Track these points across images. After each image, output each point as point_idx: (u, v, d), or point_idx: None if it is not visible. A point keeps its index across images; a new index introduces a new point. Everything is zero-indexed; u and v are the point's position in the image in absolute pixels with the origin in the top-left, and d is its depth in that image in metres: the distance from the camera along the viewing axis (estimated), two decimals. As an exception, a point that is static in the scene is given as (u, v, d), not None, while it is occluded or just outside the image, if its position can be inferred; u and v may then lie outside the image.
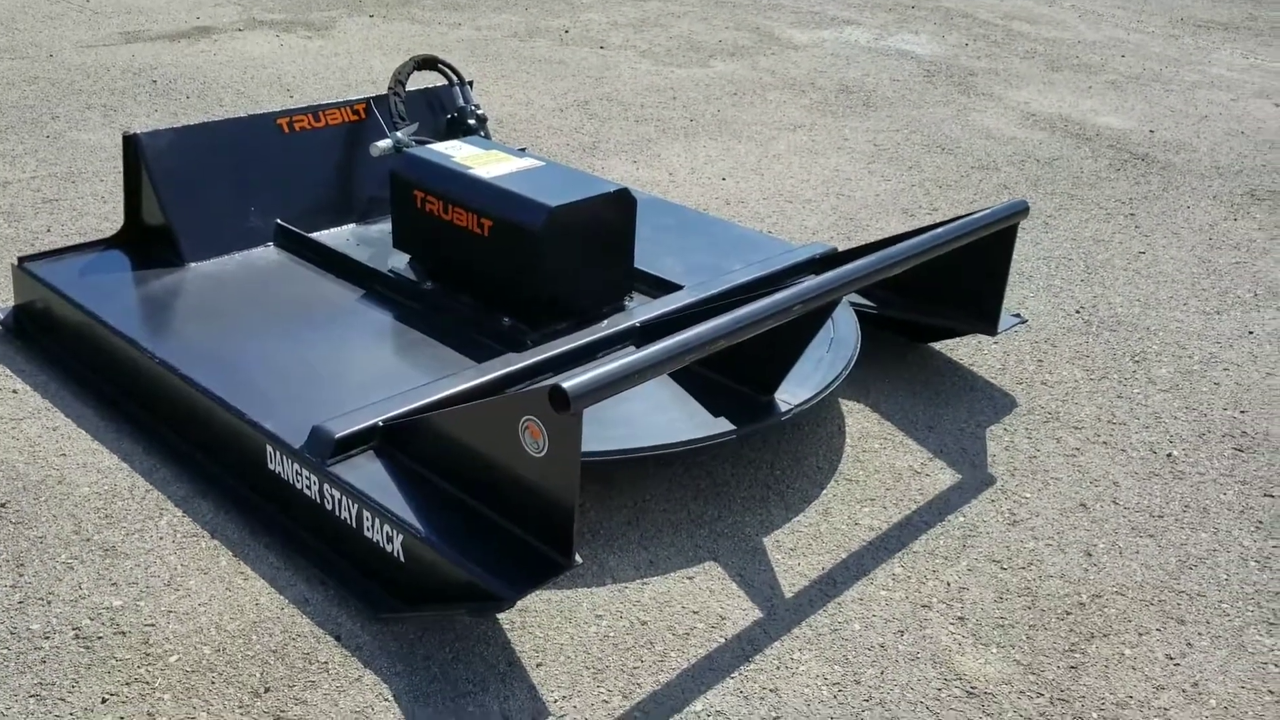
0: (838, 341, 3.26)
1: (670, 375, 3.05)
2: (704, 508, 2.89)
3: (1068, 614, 2.60)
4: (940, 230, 3.14)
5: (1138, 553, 2.82)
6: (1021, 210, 3.31)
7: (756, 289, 3.36)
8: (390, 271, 3.51)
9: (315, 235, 3.75)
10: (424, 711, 2.23)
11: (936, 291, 3.52)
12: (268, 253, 3.68)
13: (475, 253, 3.28)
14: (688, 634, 2.47)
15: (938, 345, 3.77)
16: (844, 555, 2.75)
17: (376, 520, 2.44)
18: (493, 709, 2.24)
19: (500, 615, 2.47)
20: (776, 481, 3.01)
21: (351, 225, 3.92)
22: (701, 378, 3.05)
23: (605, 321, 3.22)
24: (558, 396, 2.14)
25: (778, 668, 2.40)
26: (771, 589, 2.62)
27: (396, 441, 2.64)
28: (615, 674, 2.35)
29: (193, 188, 3.61)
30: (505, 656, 2.37)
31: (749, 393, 2.99)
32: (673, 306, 3.30)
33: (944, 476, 3.09)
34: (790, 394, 2.99)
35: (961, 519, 2.92)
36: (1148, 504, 3.02)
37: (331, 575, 2.55)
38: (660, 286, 3.50)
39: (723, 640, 2.46)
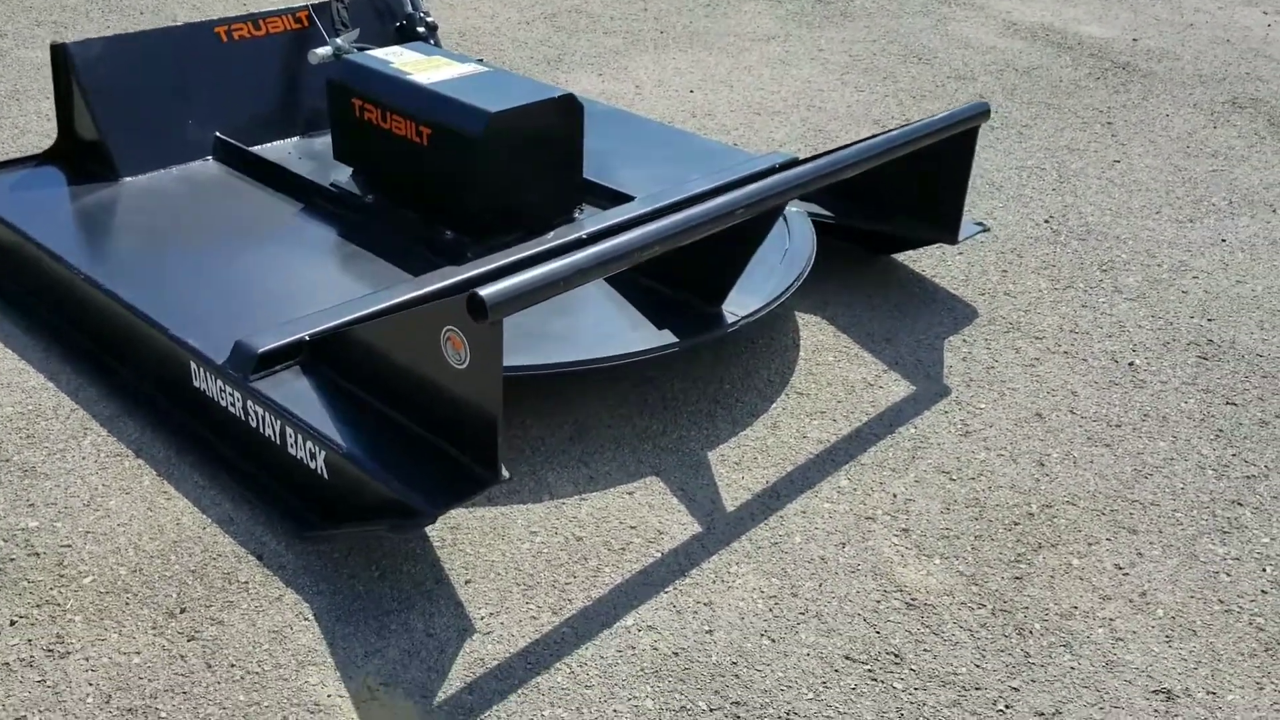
0: (791, 252, 3.15)
1: (615, 287, 2.96)
2: (649, 422, 2.81)
3: (1015, 525, 2.53)
4: (895, 133, 3.03)
5: (1092, 462, 2.75)
6: (981, 113, 3.18)
7: (711, 200, 3.24)
8: (331, 185, 3.39)
9: (256, 148, 3.62)
10: (344, 630, 2.17)
11: (896, 200, 3.41)
12: (206, 166, 3.56)
13: (415, 163, 3.16)
14: (623, 549, 2.41)
15: (900, 256, 3.67)
16: (789, 469, 2.68)
17: (299, 436, 2.36)
18: (416, 626, 2.18)
19: (430, 533, 2.41)
20: (725, 395, 2.93)
21: (295, 138, 3.79)
22: (648, 289, 2.96)
23: (551, 234, 3.11)
24: (475, 305, 2.05)
25: (714, 581, 2.33)
26: (713, 503, 2.55)
27: (323, 356, 2.55)
28: (546, 590, 2.29)
29: (126, 99, 3.48)
30: (433, 574, 2.31)
31: (696, 303, 2.90)
32: (623, 218, 3.18)
33: (897, 389, 3.01)
34: (739, 305, 2.89)
35: (912, 431, 2.84)
36: (1106, 413, 2.94)
37: (256, 494, 2.47)
38: (612, 198, 3.39)
39: (659, 555, 2.40)
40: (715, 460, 2.69)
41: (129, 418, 2.72)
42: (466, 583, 2.29)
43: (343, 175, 3.44)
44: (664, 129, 4.10)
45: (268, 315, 2.69)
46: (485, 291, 2.05)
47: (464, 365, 2.19)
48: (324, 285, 2.92)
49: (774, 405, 2.91)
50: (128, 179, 3.42)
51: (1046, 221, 4.00)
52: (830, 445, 2.77)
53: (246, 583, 2.26)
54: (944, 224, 3.35)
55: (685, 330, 2.79)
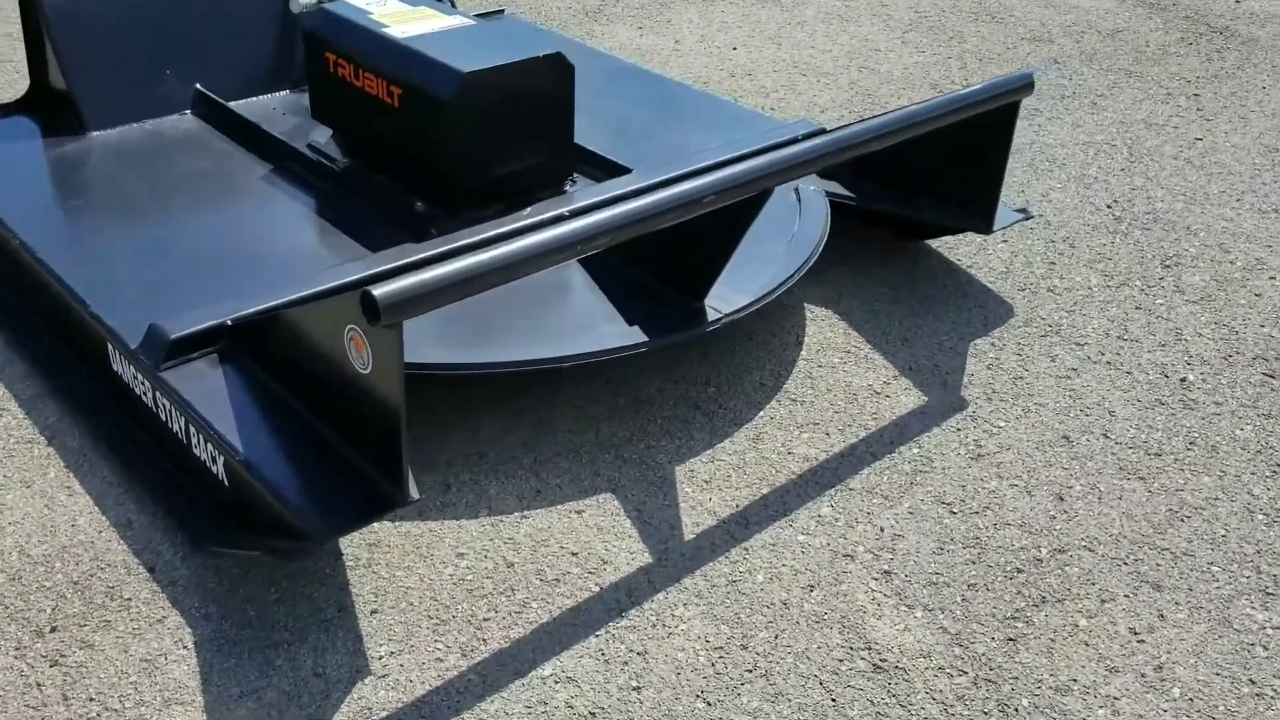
0: (798, 238, 2.81)
1: (593, 275, 2.66)
2: (615, 429, 2.51)
3: (1019, 572, 2.19)
4: (920, 107, 2.65)
5: (1120, 498, 2.38)
6: (1024, 85, 2.78)
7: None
8: (309, 147, 3.13)
9: (238, 103, 3.38)
10: (224, 663, 1.92)
11: (925, 182, 3.03)
12: (183, 121, 3.33)
13: (387, 125, 2.88)
14: (557, 580, 2.12)
15: (934, 243, 3.29)
16: (765, 490, 2.36)
17: (201, 436, 2.12)
18: (305, 663, 1.93)
19: (346, 549, 2.15)
20: (707, 400, 2.62)
21: (284, 93, 3.53)
22: (630, 278, 2.64)
23: (530, 209, 2.81)
24: (368, 305, 1.77)
25: (654, 625, 2.04)
26: (670, 529, 2.25)
27: (244, 345, 2.29)
28: (460, 626, 2.02)
29: (99, 48, 3.25)
30: (337, 600, 2.05)
31: (677, 296, 2.58)
32: (615, 193, 2.86)
33: (907, 399, 2.66)
34: (724, 300, 2.56)
35: (915, 451, 2.49)
36: (1145, 439, 2.55)
37: (161, 496, 2.24)
38: (609, 170, 3.06)
39: (596, 589, 2.11)
40: (682, 476, 2.39)
41: (50, 399, 2.51)
42: (373, 613, 2.03)
43: (323, 135, 3.18)
44: (684, 90, 3.75)
45: (205, 294, 2.45)
46: (379, 291, 1.76)
47: (367, 370, 1.91)
48: (277, 261, 2.67)
49: (761, 413, 2.58)
50: (95, 134, 3.20)
51: (1109, 207, 3.57)
52: (817, 464, 2.44)
53: (130, 600, 2.03)
54: (977, 211, 2.96)
55: (661, 327, 2.48)
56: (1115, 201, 3.60)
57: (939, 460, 2.47)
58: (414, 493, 1.95)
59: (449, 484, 2.33)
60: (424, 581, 2.10)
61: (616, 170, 3.03)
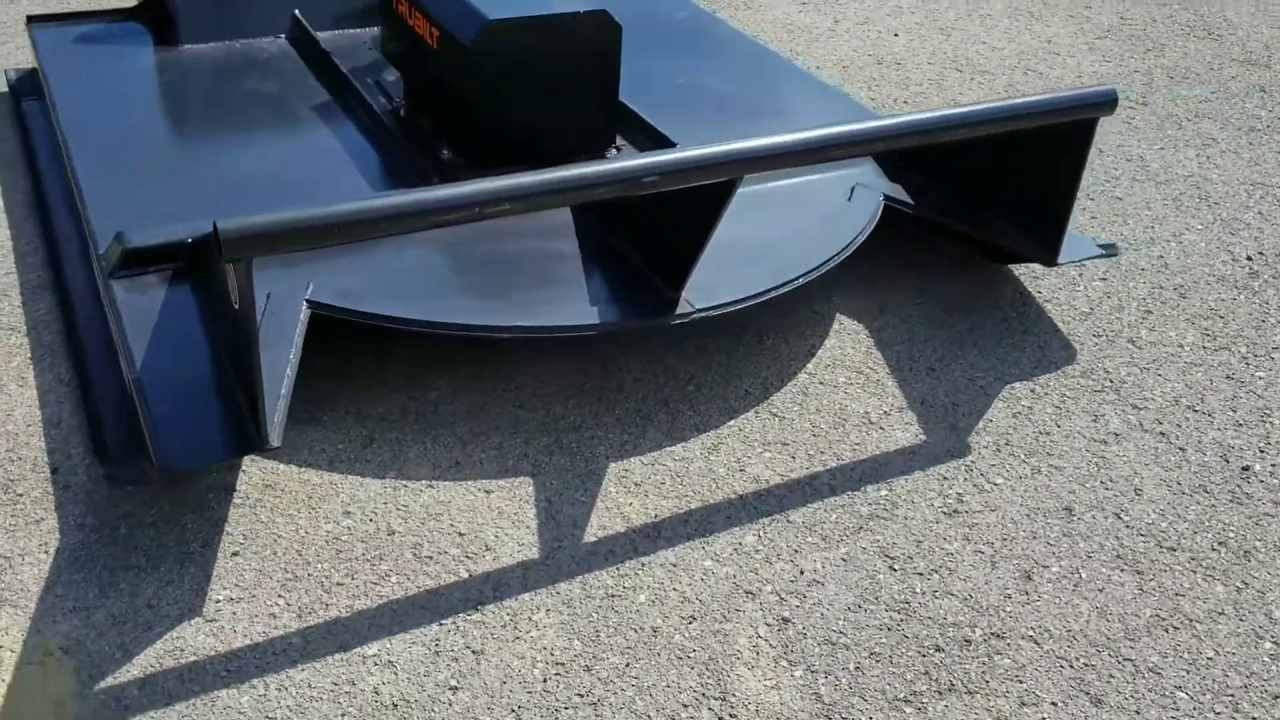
0: (824, 241, 2.56)
1: (586, 248, 2.50)
2: (568, 412, 2.36)
3: (936, 650, 1.90)
4: (964, 111, 2.35)
5: (1101, 590, 2.04)
6: (1103, 101, 2.41)
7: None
8: (375, 83, 3.11)
9: (330, 34, 3.39)
10: (73, 575, 1.92)
11: (989, 197, 2.71)
12: (274, 45, 3.37)
13: (428, 68, 2.82)
14: (431, 558, 2.01)
15: (1021, 269, 2.94)
16: (694, 506, 2.16)
17: (123, 348, 2.12)
18: (145, 592, 1.90)
19: (242, 486, 2.11)
20: (681, 398, 2.42)
21: (379, 29, 3.52)
22: (622, 256, 2.48)
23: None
24: (215, 238, 1.70)
25: (504, 626, 1.90)
26: (573, 527, 2.09)
27: (196, 267, 2.28)
28: (310, 586, 1.94)
29: None
30: (207, 535, 2.02)
31: (658, 284, 2.39)
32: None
33: (902, 435, 2.38)
34: (705, 293, 2.36)
35: (884, 493, 2.22)
36: (1165, 528, 2.18)
37: (95, 399, 2.27)
38: (654, 140, 2.89)
39: (467, 575, 1.98)
40: (614, 475, 2.22)
41: (48, 291, 2.59)
42: (234, 555, 1.98)
43: (393, 74, 3.15)
44: (790, 69, 3.48)
45: (201, 213, 2.46)
46: (224, 224, 1.69)
47: (237, 305, 1.85)
48: (295, 191, 2.64)
49: (731, 423, 2.37)
50: (187, 47, 3.29)
51: (1249, 259, 3.09)
52: (766, 487, 2.21)
53: (20, 496, 2.06)
54: (1041, 238, 2.62)
55: (623, 312, 2.31)
56: (1260, 254, 3.12)
57: (904, 509, 2.19)
58: (273, 439, 1.88)
59: (372, 439, 2.25)
60: (298, 533, 2.03)
61: (662, 141, 2.86)
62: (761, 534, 2.11)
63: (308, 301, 2.21)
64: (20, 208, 2.91)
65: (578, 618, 1.92)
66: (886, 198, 2.74)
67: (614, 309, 2.30)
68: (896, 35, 4.46)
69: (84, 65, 3.17)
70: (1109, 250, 2.75)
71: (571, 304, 2.31)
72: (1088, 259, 2.73)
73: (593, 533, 2.09)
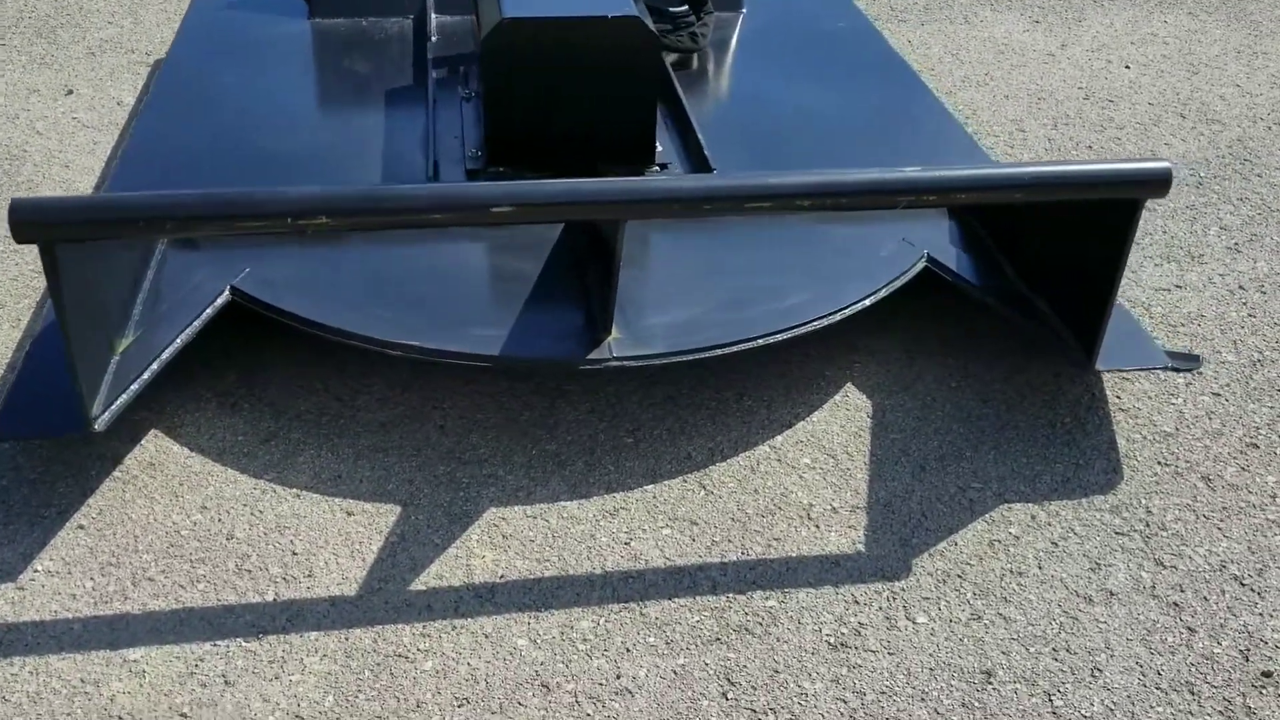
0: (827, 294, 2.24)
1: (549, 271, 2.32)
2: (484, 443, 2.20)
3: (714, 810, 1.60)
4: (939, 176, 1.95)
5: (967, 788, 1.64)
6: (1150, 180, 1.92)
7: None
8: (465, 72, 3.05)
9: (455, 18, 3.35)
10: (-70, 518, 2.01)
11: (1041, 275, 2.25)
12: (399, 25, 3.38)
13: (473, 58, 2.72)
14: (250, 572, 1.93)
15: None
16: (552, 574, 1.94)
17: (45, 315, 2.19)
18: (-22, 548, 1.95)
19: (127, 459, 2.12)
20: (612, 450, 2.19)
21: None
22: (583, 284, 2.27)
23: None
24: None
25: (271, 662, 1.78)
26: (410, 571, 1.94)
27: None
28: (122, 575, 1.91)
29: None
30: (67, 502, 2.03)
31: (596, 321, 2.17)
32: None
33: (838, 539, 2.03)
34: (639, 341, 2.12)
35: (772, 604, 1.90)
36: (1101, 717, 1.72)
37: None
38: (697, 163, 2.65)
39: (270, 599, 1.88)
40: (486, 522, 2.04)
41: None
42: (79, 528, 2.00)
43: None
44: (917, 98, 3.05)
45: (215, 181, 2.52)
46: (20, 200, 1.67)
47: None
48: (315, 170, 2.64)
49: (648, 488, 2.11)
50: (317, 19, 3.36)
51: None
52: (641, 569, 1.95)
53: (-60, 433, 2.18)
54: (1077, 334, 2.14)
55: (532, 346, 2.11)
56: None
57: (784, 628, 1.86)
58: (95, 423, 1.86)
59: (274, 436, 2.20)
60: (147, 519, 2.02)
61: (702, 166, 2.61)
62: (601, 622, 1.86)
63: (232, 288, 2.19)
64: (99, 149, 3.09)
65: (348, 671, 1.77)
66: (930, 260, 2.35)
67: (528, 343, 2.11)
68: (1128, 68, 3.85)
69: (216, 26, 3.31)
70: (1184, 363, 2.21)
71: (485, 330, 2.14)
72: (1142, 369, 2.21)
73: (424, 581, 1.92)
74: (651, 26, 2.50)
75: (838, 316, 2.21)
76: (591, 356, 2.07)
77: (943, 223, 2.50)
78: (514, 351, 2.08)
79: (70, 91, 3.45)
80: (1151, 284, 2.74)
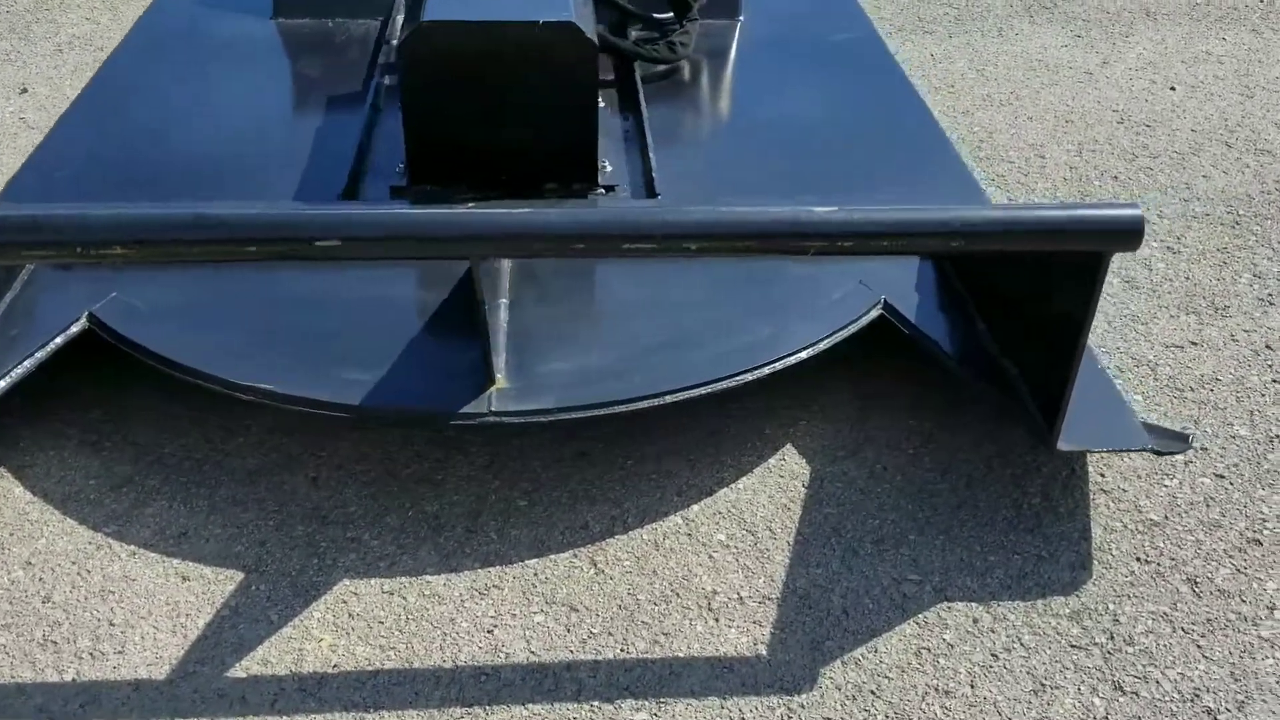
0: (761, 344, 1.95)
1: (453, 308, 2.07)
2: (359, 501, 1.94)
3: None
4: (908, 214, 1.64)
5: None
6: (1118, 230, 1.59)
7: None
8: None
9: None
10: None
11: (1008, 329, 1.93)
12: (365, 27, 3.14)
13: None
14: (55, 644, 1.70)
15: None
16: (393, 666, 1.68)
17: None
18: None
19: (15, 494, 1.92)
20: (499, 515, 1.93)
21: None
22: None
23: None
24: None
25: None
26: (234, 653, 1.69)
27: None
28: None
29: None
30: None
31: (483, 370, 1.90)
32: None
33: (738, 638, 1.73)
34: (527, 392, 1.85)
35: (638, 718, 1.61)
36: None
37: None
38: (643, 188, 2.37)
39: (69, 679, 1.65)
40: (335, 597, 1.78)
41: None
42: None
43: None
44: (930, 134, 2.72)
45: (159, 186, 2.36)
46: None
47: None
48: (249, 172, 2.45)
49: (530, 563, 1.84)
50: (279, 20, 3.15)
51: None
52: (499, 665, 1.68)
53: None
54: (1037, 406, 1.81)
55: (418, 397, 1.85)
56: None
57: (652, 748, 1.57)
58: None
59: (129, 482, 1.97)
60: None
61: (649, 190, 2.33)
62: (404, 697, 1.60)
63: (89, 315, 1.98)
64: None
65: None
66: (886, 307, 2.04)
67: (398, 391, 1.85)
68: (1173, 89, 3.47)
69: (171, 24, 3.13)
70: (1169, 443, 1.86)
71: (355, 373, 1.88)
72: (1121, 450, 1.87)
73: (246, 667, 1.68)
74: (591, 33, 2.23)
75: (766, 370, 1.92)
76: (465, 410, 1.80)
77: (913, 263, 2.19)
78: (378, 401, 1.82)
79: (25, 90, 3.30)
80: (1163, 339, 2.39)
